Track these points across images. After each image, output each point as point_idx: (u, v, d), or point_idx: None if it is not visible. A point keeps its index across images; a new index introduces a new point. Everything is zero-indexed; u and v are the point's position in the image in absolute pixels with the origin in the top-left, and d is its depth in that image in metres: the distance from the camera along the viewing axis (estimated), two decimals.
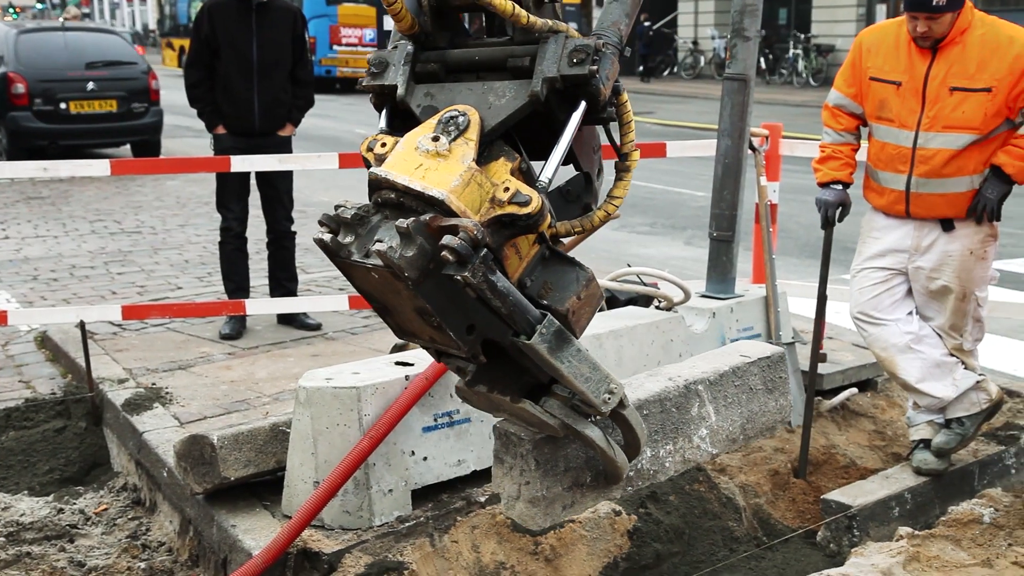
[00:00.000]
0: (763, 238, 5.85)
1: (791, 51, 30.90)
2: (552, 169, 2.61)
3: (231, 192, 6.75)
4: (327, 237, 2.55)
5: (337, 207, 2.57)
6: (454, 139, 2.56)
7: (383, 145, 2.68)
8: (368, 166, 2.68)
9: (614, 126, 2.84)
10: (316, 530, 3.90)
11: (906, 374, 4.65)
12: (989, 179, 4.37)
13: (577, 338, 2.72)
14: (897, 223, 4.59)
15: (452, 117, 2.60)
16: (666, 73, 35.39)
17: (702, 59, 34.23)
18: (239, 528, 3.98)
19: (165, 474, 4.53)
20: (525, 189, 2.53)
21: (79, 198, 12.40)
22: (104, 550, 4.42)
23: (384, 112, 2.82)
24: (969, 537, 4.08)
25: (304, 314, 6.82)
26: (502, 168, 2.62)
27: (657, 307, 5.39)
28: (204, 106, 6.77)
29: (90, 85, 14.77)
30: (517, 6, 2.62)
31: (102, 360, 5.97)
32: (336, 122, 20.13)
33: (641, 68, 33.74)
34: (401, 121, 2.80)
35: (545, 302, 2.69)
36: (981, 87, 4.25)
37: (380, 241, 2.43)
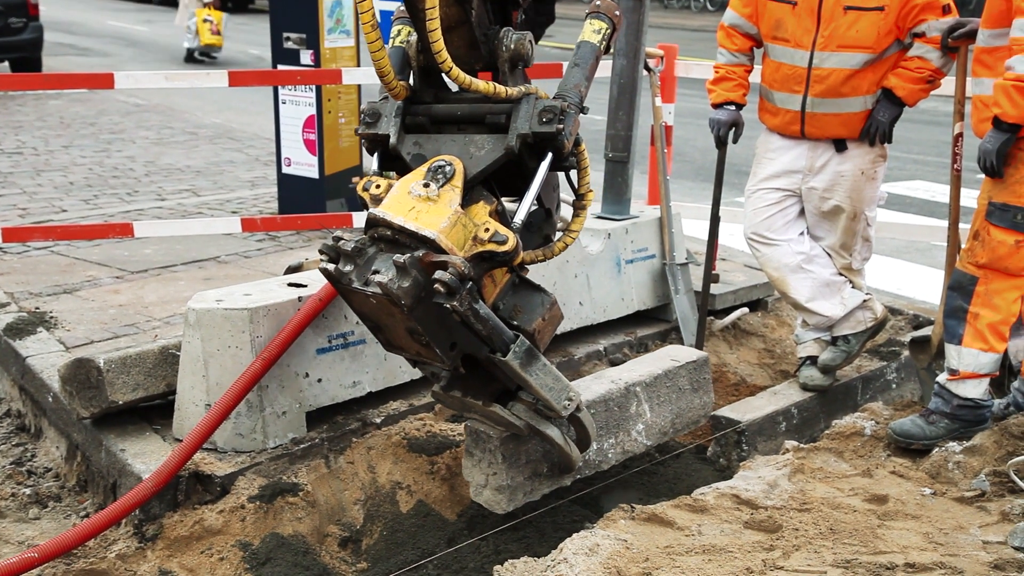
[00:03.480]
0: (658, 160, 5.88)
1: None
2: (524, 212, 3.09)
3: None
4: (330, 266, 3.00)
5: (336, 239, 3.01)
6: (442, 185, 3.00)
7: (377, 187, 3.13)
8: (363, 204, 3.15)
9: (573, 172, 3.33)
10: (208, 453, 3.85)
11: (797, 293, 4.76)
12: (881, 101, 4.45)
13: (541, 352, 3.20)
14: (791, 144, 4.66)
15: (440, 166, 3.04)
16: None
17: None
18: (128, 452, 3.90)
19: (50, 399, 4.41)
20: (503, 230, 2.99)
21: None
22: None
23: (376, 156, 3.31)
24: (851, 449, 4.22)
25: None
26: (482, 210, 3.08)
27: None
28: None
29: None
30: (497, 85, 3.12)
31: None
32: (227, 41, 19.54)
33: None
34: (390, 163, 3.30)
35: (516, 323, 3.20)
36: (874, 6, 4.31)
37: (378, 272, 2.88)
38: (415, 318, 2.93)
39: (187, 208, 7.89)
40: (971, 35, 4.21)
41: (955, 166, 4.46)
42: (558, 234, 3.46)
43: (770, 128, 4.76)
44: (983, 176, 4.01)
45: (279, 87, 7.29)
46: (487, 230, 3.00)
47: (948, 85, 4.65)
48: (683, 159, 10.50)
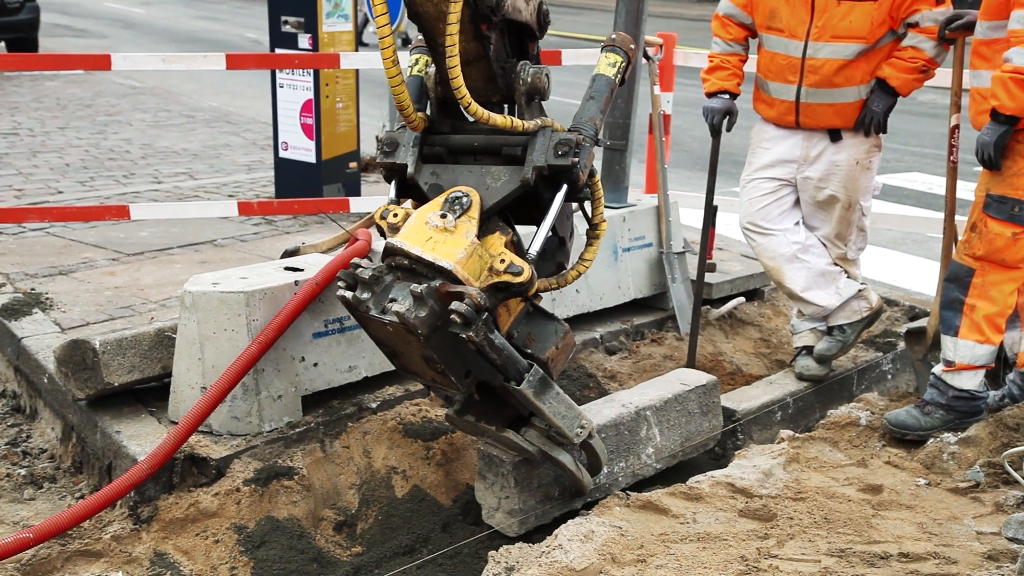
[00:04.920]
0: (656, 148, 5.88)
1: None
2: (540, 243, 3.15)
3: None
4: (347, 294, 3.04)
5: (354, 266, 3.05)
6: (459, 216, 3.05)
7: (395, 215, 3.19)
8: (382, 232, 3.22)
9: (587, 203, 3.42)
10: (204, 436, 3.85)
11: (792, 283, 4.76)
12: (875, 92, 4.45)
13: (554, 380, 3.26)
14: (786, 134, 4.66)
15: (457, 198, 3.09)
16: None
17: None
18: (124, 434, 3.90)
19: (46, 380, 4.41)
20: (518, 261, 3.05)
21: None
22: None
23: (394, 184, 3.37)
24: (846, 439, 4.23)
25: None
26: (498, 241, 3.13)
27: None
28: None
29: None
30: (515, 119, 3.16)
31: None
32: (225, 25, 19.48)
33: None
34: (407, 192, 3.36)
35: (529, 351, 3.26)
36: None
37: (395, 301, 2.95)
38: (431, 347, 2.98)
39: (183, 191, 7.87)
40: (969, 27, 4.21)
41: (951, 158, 4.47)
42: (572, 261, 3.53)
43: (765, 118, 4.76)
44: (980, 168, 4.01)
45: (277, 71, 7.26)
46: (503, 261, 3.05)
47: (945, 77, 4.65)
48: (681, 148, 10.50)
